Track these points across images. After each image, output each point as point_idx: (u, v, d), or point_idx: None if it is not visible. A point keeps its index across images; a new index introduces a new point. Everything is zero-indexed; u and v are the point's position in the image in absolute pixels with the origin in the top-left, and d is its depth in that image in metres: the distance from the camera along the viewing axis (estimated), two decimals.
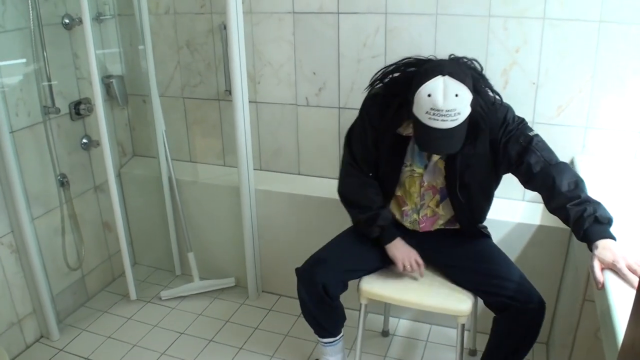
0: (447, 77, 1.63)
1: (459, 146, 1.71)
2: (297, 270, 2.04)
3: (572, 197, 1.63)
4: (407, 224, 2.05)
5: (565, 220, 1.65)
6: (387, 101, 1.86)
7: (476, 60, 1.79)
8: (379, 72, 1.89)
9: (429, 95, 1.62)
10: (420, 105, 1.64)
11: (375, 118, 1.92)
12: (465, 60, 1.78)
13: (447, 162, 1.87)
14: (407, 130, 1.85)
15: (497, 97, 1.80)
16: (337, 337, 2.15)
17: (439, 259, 2.03)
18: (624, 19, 1.99)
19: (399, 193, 2.03)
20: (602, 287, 1.39)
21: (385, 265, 2.05)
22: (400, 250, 1.99)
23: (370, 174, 2.03)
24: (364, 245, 2.04)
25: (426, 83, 1.64)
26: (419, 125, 1.68)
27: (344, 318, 2.13)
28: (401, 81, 1.82)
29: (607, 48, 2.05)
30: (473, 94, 1.67)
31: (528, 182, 1.79)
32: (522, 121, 1.82)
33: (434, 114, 1.63)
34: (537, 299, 1.79)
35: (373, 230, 1.99)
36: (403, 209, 2.04)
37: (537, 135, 1.78)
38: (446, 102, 1.62)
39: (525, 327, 1.81)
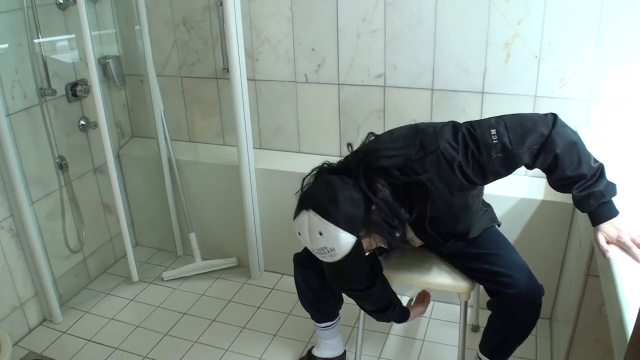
0: (310, 213, 1.49)
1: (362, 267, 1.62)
2: (295, 256, 2.03)
3: (575, 176, 1.53)
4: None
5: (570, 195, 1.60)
6: None
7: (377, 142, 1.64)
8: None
9: (299, 234, 1.54)
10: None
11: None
12: (365, 151, 1.61)
13: (418, 226, 1.72)
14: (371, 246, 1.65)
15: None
16: (335, 320, 2.15)
17: (439, 249, 1.97)
18: None
19: None
20: (609, 257, 1.38)
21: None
22: (417, 313, 2.06)
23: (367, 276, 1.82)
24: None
25: (296, 218, 1.54)
26: None
27: (341, 301, 2.13)
28: None
29: (611, 20, 2.01)
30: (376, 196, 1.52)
31: (529, 168, 1.64)
32: (464, 137, 1.56)
33: (312, 250, 1.55)
34: (527, 289, 1.69)
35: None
36: None
37: (497, 130, 1.54)
38: (313, 242, 1.51)
39: (515, 315, 1.74)
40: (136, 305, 2.69)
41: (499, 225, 1.96)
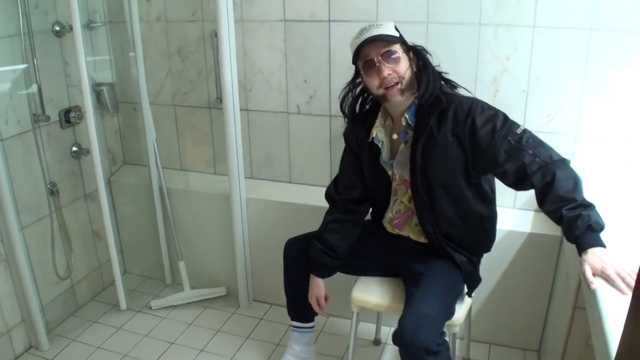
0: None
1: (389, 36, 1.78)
2: (287, 241, 2.12)
3: (568, 199, 1.60)
4: (387, 225, 2.02)
5: (558, 221, 1.64)
6: (351, 117, 1.99)
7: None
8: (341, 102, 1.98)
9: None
10: (352, 45, 1.83)
11: (350, 139, 2.02)
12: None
13: (411, 151, 1.82)
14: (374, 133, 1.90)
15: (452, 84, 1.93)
16: (305, 325, 2.19)
17: (404, 271, 1.99)
18: (613, 27, 2.00)
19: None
20: (594, 288, 1.39)
21: (379, 273, 2.06)
22: (312, 287, 2.06)
23: (347, 201, 2.04)
24: (363, 243, 2.05)
25: None
26: (355, 53, 1.82)
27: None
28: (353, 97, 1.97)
29: (597, 56, 2.06)
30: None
31: (520, 182, 1.72)
32: (497, 115, 1.75)
33: (360, 33, 1.81)
34: (408, 343, 1.63)
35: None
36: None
37: (524, 130, 1.74)
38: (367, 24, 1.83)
39: None
40: (123, 334, 2.66)
41: (468, 295, 1.97)
